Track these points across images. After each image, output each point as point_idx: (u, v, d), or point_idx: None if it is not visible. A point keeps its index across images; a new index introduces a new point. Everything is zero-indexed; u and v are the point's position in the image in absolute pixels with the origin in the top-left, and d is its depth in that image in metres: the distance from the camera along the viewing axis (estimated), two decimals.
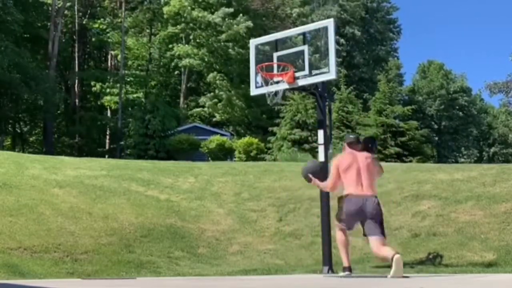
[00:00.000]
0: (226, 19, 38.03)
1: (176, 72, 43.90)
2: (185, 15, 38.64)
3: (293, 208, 11.88)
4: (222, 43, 38.43)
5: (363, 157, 6.84)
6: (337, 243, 6.92)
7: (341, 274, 6.85)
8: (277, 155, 26.84)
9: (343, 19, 47.18)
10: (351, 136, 7.36)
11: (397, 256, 6.14)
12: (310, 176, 7.26)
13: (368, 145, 7.15)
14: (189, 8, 38.67)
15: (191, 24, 39.38)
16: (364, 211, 6.52)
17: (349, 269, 6.78)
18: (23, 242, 8.63)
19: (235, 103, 38.49)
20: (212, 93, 39.78)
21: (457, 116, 57.69)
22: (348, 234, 6.82)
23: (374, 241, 6.47)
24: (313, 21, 37.84)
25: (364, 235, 6.60)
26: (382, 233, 6.52)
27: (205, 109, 39.92)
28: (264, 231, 11.01)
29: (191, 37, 39.80)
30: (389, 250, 6.37)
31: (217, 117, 39.36)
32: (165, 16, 39.80)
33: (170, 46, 40.93)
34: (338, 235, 6.82)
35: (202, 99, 40.47)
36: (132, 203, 11.69)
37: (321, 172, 7.43)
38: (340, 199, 6.80)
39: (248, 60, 9.23)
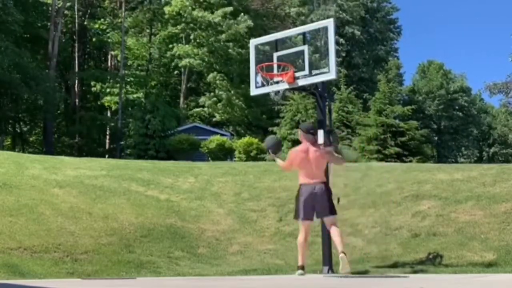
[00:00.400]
0: (226, 19, 38.04)
1: (176, 72, 43.91)
2: (185, 15, 38.64)
3: (293, 208, 11.87)
4: (222, 43, 38.42)
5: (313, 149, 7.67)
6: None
7: (297, 273, 7.40)
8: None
9: (343, 19, 47.17)
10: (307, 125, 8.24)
11: (341, 255, 7.02)
12: (270, 152, 8.33)
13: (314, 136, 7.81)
14: (190, 8, 38.68)
15: (191, 24, 39.38)
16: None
17: (302, 268, 7.40)
18: (23, 242, 8.63)
19: (235, 103, 38.50)
20: (212, 93, 39.79)
21: (457, 116, 57.70)
22: (308, 234, 7.60)
23: (327, 222, 7.53)
24: (312, 21, 37.90)
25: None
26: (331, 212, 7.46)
27: (205, 109, 39.93)
28: (264, 231, 11.02)
29: (191, 37, 39.81)
30: (339, 244, 7.20)
31: (217, 117, 39.37)
32: (166, 16, 39.81)
33: (170, 46, 40.94)
34: (298, 236, 7.65)
35: (202, 99, 40.48)
36: (132, 203, 11.69)
37: (278, 148, 8.43)
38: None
39: (248, 60, 9.23)
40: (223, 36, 38.04)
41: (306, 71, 8.44)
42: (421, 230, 9.77)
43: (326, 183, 7.60)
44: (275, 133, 30.46)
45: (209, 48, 38.91)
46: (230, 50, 38.31)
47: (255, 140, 28.68)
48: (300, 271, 7.37)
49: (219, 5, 39.13)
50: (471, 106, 59.80)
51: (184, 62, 38.77)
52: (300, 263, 7.44)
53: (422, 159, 26.56)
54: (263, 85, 8.75)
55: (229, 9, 38.32)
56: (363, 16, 50.16)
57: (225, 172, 15.12)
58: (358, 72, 49.16)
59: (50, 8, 39.45)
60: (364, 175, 13.80)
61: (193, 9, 38.74)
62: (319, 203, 7.44)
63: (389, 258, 8.88)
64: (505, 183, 10.95)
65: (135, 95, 42.43)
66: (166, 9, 39.26)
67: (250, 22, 37.78)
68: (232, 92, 38.59)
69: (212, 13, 38.52)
